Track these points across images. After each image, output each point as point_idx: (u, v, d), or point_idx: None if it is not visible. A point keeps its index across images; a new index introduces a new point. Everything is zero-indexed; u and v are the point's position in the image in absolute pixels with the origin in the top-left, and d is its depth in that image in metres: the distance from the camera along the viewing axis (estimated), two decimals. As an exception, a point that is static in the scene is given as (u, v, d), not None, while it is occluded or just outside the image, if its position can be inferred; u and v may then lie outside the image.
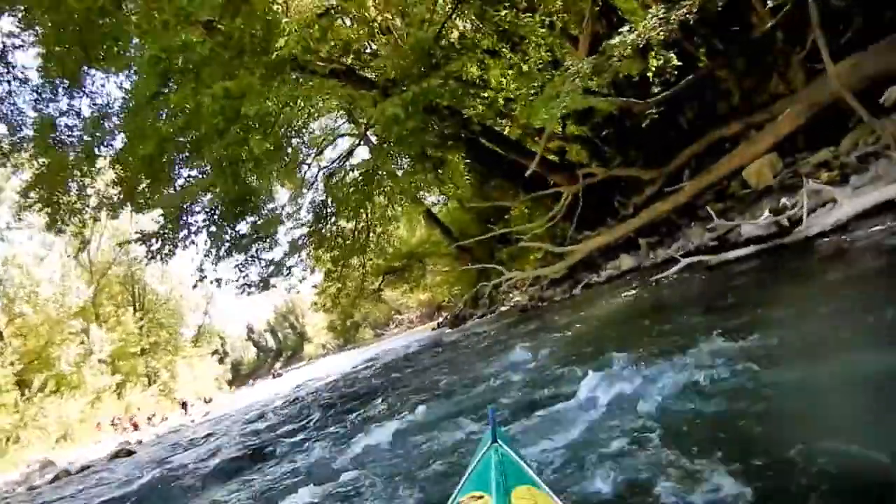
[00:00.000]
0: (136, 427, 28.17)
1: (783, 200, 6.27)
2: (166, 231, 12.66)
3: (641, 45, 6.61)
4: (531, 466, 1.98)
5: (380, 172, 14.94)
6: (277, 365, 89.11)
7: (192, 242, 16.48)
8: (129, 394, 37.46)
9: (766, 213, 6.29)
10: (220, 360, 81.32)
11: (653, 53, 7.09)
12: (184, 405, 31.55)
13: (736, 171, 8.46)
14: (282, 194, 23.56)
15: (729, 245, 6.83)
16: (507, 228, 16.06)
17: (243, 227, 20.88)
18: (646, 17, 6.85)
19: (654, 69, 7.29)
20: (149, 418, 34.75)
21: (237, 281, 20.63)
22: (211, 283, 18.71)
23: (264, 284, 22.32)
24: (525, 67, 9.70)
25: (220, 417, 19.12)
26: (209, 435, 12.81)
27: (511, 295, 18.41)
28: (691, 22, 6.68)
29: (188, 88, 7.99)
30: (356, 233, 25.08)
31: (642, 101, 8.58)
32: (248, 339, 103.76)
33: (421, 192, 24.59)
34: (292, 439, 6.83)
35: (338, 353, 61.76)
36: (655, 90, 8.00)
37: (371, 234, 24.79)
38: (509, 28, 9.87)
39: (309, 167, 23.34)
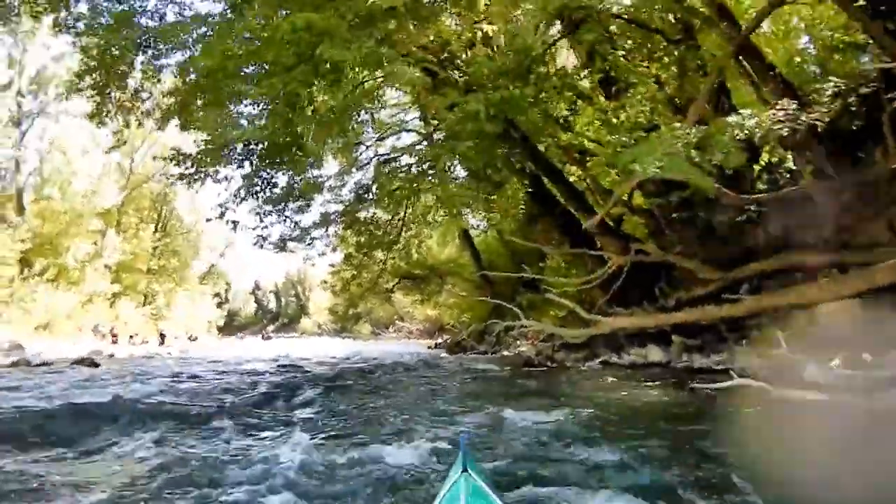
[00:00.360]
0: (115, 339, 27.84)
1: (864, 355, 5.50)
2: (204, 157, 12.10)
3: (757, 136, 5.96)
4: (501, 496, 1.96)
5: (431, 172, 14.31)
6: (270, 328, 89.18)
7: (227, 178, 16.13)
8: (122, 307, 37.35)
9: (837, 361, 5.54)
10: (219, 305, 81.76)
11: (767, 148, 6.42)
12: (162, 336, 30.73)
13: (806, 304, 7.67)
14: (329, 165, 23.03)
15: (792, 381, 6.01)
16: (540, 276, 15.30)
17: (281, 180, 20.64)
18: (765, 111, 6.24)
19: (762, 164, 6.59)
20: (131, 336, 34.58)
21: (255, 230, 20.34)
22: (227, 222, 18.09)
23: (282, 245, 21.92)
24: (622, 117, 9.07)
25: (194, 360, 18.59)
26: (175, 375, 12.29)
27: (519, 342, 17.63)
28: (818, 130, 6.01)
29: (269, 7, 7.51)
30: (389, 227, 24.60)
31: (736, 194, 7.81)
32: (251, 294, 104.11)
33: (466, 211, 24.07)
34: (249, 418, 6.19)
35: (332, 336, 61.12)
36: (760, 187, 7.28)
37: (403, 234, 24.29)
38: (618, 73, 9.29)
39: (367, 149, 22.97)
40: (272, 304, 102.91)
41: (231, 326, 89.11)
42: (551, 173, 14.17)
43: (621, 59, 9.88)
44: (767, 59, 8.43)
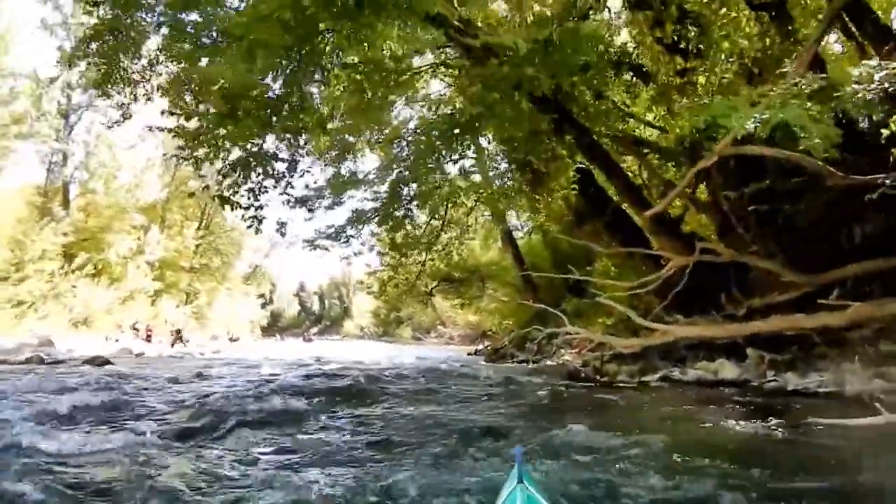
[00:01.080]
0: (149, 337, 27.45)
1: None
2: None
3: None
4: None
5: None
6: (313, 330, 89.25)
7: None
8: (163, 305, 37.29)
9: None
10: (263, 306, 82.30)
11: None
12: (177, 334, 29.66)
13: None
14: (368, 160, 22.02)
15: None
16: (588, 278, 13.84)
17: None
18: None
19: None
20: (178, 332, 34.24)
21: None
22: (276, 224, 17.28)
23: (314, 243, 21.05)
24: (699, 81, 7.64)
25: (219, 361, 17.77)
26: (197, 376, 11.34)
27: (562, 352, 16.13)
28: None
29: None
30: (428, 227, 23.49)
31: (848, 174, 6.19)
32: (295, 296, 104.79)
33: (508, 210, 22.72)
34: (272, 432, 5.00)
35: (375, 340, 60.36)
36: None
37: (442, 235, 23.12)
38: (692, 38, 7.86)
39: (406, 144, 21.94)
40: (315, 306, 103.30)
41: (275, 327, 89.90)
42: (606, 166, 12.73)
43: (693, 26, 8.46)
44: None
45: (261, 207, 13.03)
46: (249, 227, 13.60)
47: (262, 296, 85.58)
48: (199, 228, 44.88)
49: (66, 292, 27.01)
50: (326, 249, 22.42)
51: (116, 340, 24.67)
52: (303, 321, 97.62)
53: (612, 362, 11.15)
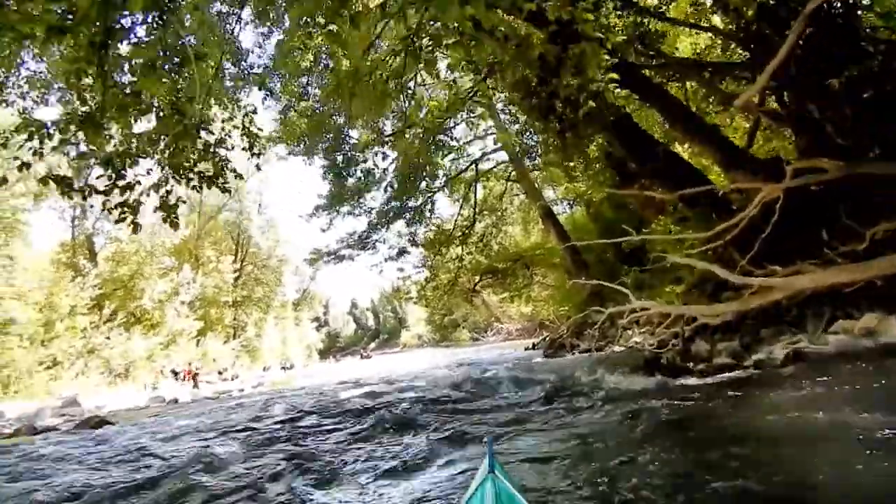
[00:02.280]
0: (194, 380, 25.93)
1: None
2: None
3: None
4: (527, 498, 1.95)
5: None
6: (372, 346, 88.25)
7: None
8: (208, 342, 36.14)
9: None
10: (318, 328, 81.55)
11: None
12: (192, 377, 26.86)
13: None
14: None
15: None
16: (647, 236, 11.33)
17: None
18: None
19: None
20: (220, 372, 33.05)
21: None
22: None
23: (337, 254, 19.28)
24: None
25: (251, 399, 16.03)
26: (216, 425, 9.55)
27: (630, 333, 13.63)
28: None
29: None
30: (458, 217, 21.33)
31: None
32: (349, 314, 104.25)
33: (543, 184, 20.36)
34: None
35: (433, 347, 58.29)
36: None
37: (476, 224, 20.90)
38: None
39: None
40: (371, 322, 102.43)
41: (334, 348, 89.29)
42: (649, 92, 10.28)
43: None
44: None
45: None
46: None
47: (315, 319, 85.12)
48: (234, 261, 43.82)
49: (101, 346, 25.83)
50: (352, 260, 20.60)
51: (154, 388, 23.40)
52: (360, 338, 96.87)
53: (696, 340, 8.65)
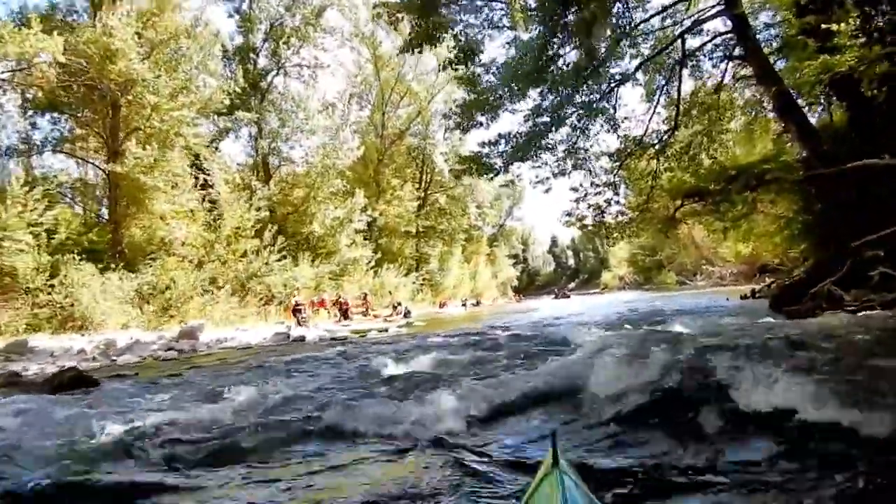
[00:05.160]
0: (346, 312, 23.94)
1: None
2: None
3: None
4: (595, 493, 1.87)
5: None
6: (571, 285, 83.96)
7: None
8: (385, 274, 34.80)
9: None
10: (515, 265, 79.14)
11: None
12: (342, 310, 24.12)
13: None
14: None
15: None
16: None
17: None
18: None
19: None
20: (394, 306, 31.11)
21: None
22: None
23: (497, 167, 15.20)
24: None
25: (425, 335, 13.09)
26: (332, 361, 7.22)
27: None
28: None
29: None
30: (656, 118, 15.78)
31: None
32: (549, 252, 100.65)
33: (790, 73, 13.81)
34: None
35: (635, 289, 52.30)
36: None
37: (681, 129, 15.29)
38: None
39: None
40: (571, 261, 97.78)
41: (533, 286, 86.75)
42: None
43: None
44: None
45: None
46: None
47: (514, 256, 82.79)
48: (419, 188, 41.89)
49: (262, 272, 24.81)
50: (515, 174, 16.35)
51: (283, 324, 20.89)
52: (560, 277, 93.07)
53: None
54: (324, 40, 33.25)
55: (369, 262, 33.52)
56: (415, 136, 42.19)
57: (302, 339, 15.88)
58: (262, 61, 31.70)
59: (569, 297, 54.83)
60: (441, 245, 43.96)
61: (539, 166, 15.63)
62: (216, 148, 28.91)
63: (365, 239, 34.60)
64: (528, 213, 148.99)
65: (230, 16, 31.74)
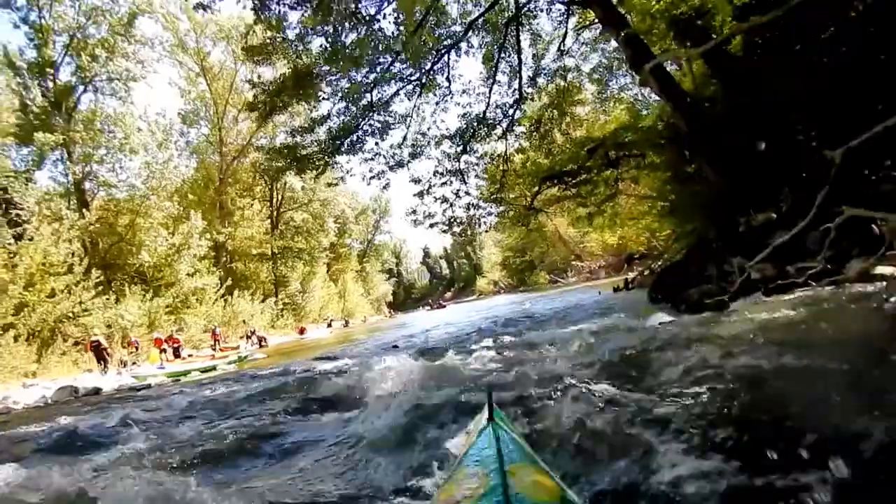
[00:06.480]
0: (176, 351, 19.85)
1: None
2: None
3: None
4: (528, 445, 1.93)
5: None
6: (448, 294, 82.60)
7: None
8: (239, 303, 30.66)
9: None
10: (389, 279, 76.22)
11: None
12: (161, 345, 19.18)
13: None
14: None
15: None
16: None
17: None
18: None
19: None
20: (248, 336, 27.16)
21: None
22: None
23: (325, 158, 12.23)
24: None
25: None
26: None
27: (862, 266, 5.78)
28: None
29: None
30: (495, 89, 13.55)
31: None
32: (422, 264, 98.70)
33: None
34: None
35: (510, 292, 51.30)
36: None
37: (526, 102, 13.17)
38: None
39: None
40: (445, 270, 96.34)
41: (410, 300, 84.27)
42: None
43: None
44: None
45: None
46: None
47: (388, 271, 79.90)
48: (270, 207, 37.74)
49: (79, 312, 20.32)
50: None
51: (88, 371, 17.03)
52: (435, 287, 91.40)
53: None
54: (138, 51, 28.63)
55: (217, 289, 29.21)
56: (260, 151, 38.12)
57: (97, 391, 12.33)
58: (65, 77, 26.66)
59: (444, 306, 53.67)
60: (302, 265, 40.17)
61: (371, 158, 12.89)
62: (27, 179, 23.68)
63: (213, 265, 30.28)
64: (398, 227, 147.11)
65: (16, 26, 26.22)
